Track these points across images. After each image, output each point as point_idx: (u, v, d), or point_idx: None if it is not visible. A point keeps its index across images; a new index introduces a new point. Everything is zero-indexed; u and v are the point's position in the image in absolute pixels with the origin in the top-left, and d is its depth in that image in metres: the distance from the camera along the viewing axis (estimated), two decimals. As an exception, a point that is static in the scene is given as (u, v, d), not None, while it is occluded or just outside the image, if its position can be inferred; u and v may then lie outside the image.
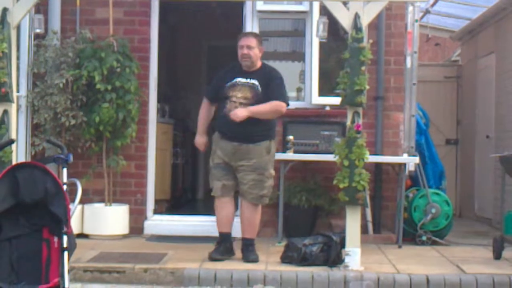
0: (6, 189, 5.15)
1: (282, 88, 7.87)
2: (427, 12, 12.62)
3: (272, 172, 7.89)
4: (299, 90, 9.96)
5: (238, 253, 7.90)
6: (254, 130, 7.72)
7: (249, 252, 7.79)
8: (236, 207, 8.05)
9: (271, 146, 7.86)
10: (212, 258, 7.69)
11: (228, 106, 7.76)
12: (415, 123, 9.65)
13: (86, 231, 9.20)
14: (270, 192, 7.91)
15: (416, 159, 9.29)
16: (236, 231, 8.14)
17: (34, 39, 9.26)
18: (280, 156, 8.96)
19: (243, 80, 7.80)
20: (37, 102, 9.10)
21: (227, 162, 7.80)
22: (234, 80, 7.81)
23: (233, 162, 7.77)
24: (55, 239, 5.20)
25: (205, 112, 8.14)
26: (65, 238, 5.09)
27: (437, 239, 9.27)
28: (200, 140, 8.18)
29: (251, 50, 7.81)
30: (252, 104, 7.69)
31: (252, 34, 8.25)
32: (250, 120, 7.64)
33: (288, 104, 7.90)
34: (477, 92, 12.56)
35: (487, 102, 12.03)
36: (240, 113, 7.62)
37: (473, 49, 13.12)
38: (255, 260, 7.70)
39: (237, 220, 8.04)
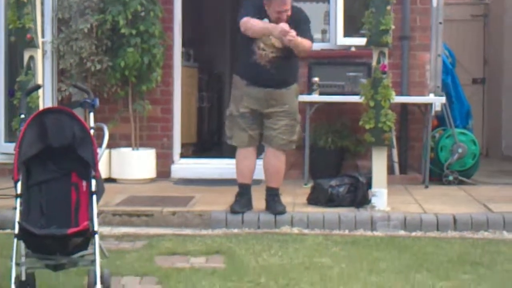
0: (34, 134, 5.17)
1: (310, 30, 7.46)
2: None
3: (299, 116, 7.60)
4: (324, 31, 9.88)
5: (261, 201, 7.57)
6: (287, 74, 7.38)
7: (276, 203, 7.44)
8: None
9: (297, 89, 7.63)
10: (233, 211, 7.43)
11: (258, 54, 7.27)
12: (441, 62, 9.55)
13: (113, 176, 9.28)
14: (298, 138, 7.61)
15: (443, 99, 9.24)
16: (257, 174, 7.74)
17: (58, -16, 9.26)
18: (305, 98, 8.93)
19: None
20: (63, 48, 9.12)
21: (255, 110, 7.39)
22: None
23: (264, 109, 7.37)
24: (84, 183, 5.23)
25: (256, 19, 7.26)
26: (93, 182, 5.12)
27: (464, 178, 9.26)
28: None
29: (288, 11, 7.30)
30: (282, 54, 7.28)
31: None
32: (283, 64, 7.29)
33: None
34: (505, 31, 12.39)
35: (514, 41, 11.90)
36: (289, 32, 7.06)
37: (500, -14, 12.91)
38: (283, 212, 7.39)
39: (259, 163, 7.68)
